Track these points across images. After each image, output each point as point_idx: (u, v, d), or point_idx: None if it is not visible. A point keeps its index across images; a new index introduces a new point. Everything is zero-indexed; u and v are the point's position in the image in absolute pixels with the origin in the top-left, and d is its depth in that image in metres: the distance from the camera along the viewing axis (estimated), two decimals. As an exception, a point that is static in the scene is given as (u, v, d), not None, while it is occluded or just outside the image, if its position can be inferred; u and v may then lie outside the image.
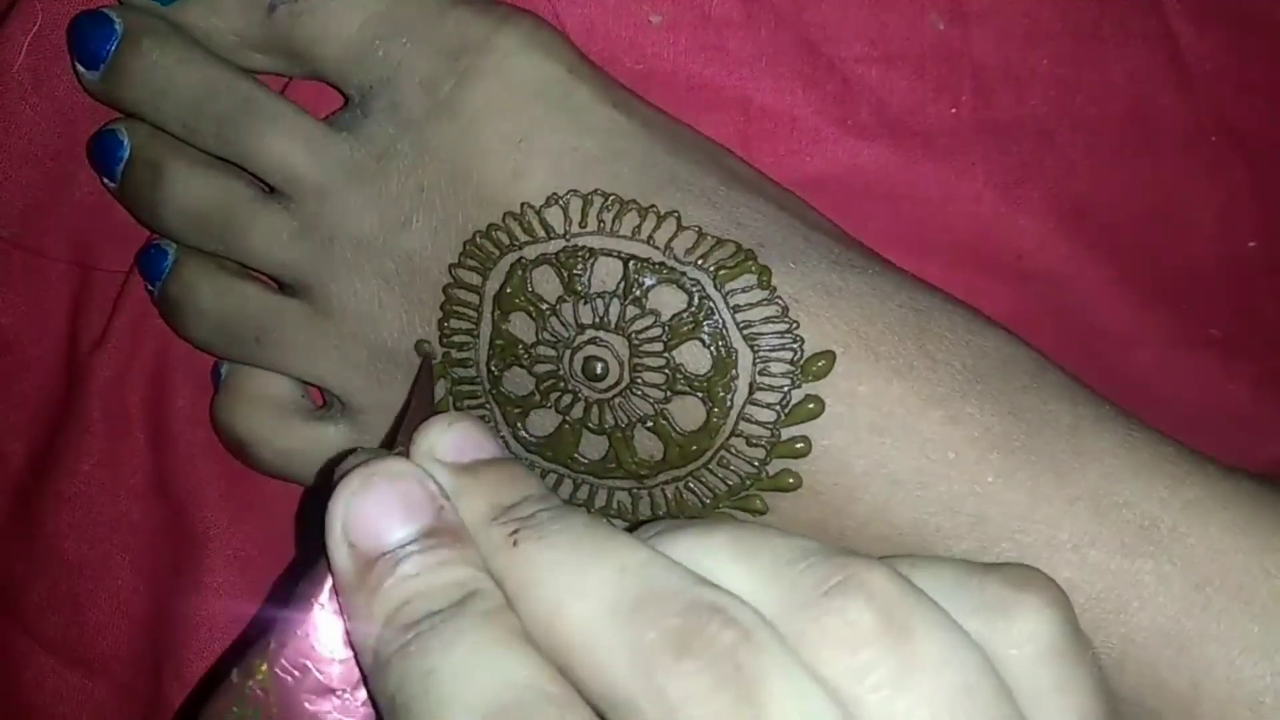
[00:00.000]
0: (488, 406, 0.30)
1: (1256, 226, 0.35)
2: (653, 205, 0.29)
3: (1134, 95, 0.33)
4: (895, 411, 0.27)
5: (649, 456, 0.29)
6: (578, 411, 0.29)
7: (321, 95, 0.32)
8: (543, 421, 0.30)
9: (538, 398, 0.29)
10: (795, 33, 0.32)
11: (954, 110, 0.33)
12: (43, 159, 0.34)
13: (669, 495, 0.29)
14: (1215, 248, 0.35)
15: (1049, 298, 0.34)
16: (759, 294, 0.28)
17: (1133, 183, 0.34)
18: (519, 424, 0.30)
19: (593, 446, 0.30)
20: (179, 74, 0.31)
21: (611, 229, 0.29)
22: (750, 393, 0.28)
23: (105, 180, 0.33)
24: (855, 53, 0.32)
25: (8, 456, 0.36)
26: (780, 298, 0.28)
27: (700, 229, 0.28)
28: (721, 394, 0.28)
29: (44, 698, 0.36)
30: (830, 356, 0.28)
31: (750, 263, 0.28)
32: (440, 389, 0.30)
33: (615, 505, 0.30)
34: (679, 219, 0.28)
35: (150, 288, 0.34)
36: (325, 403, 0.33)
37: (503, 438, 0.30)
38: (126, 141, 0.32)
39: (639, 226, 0.29)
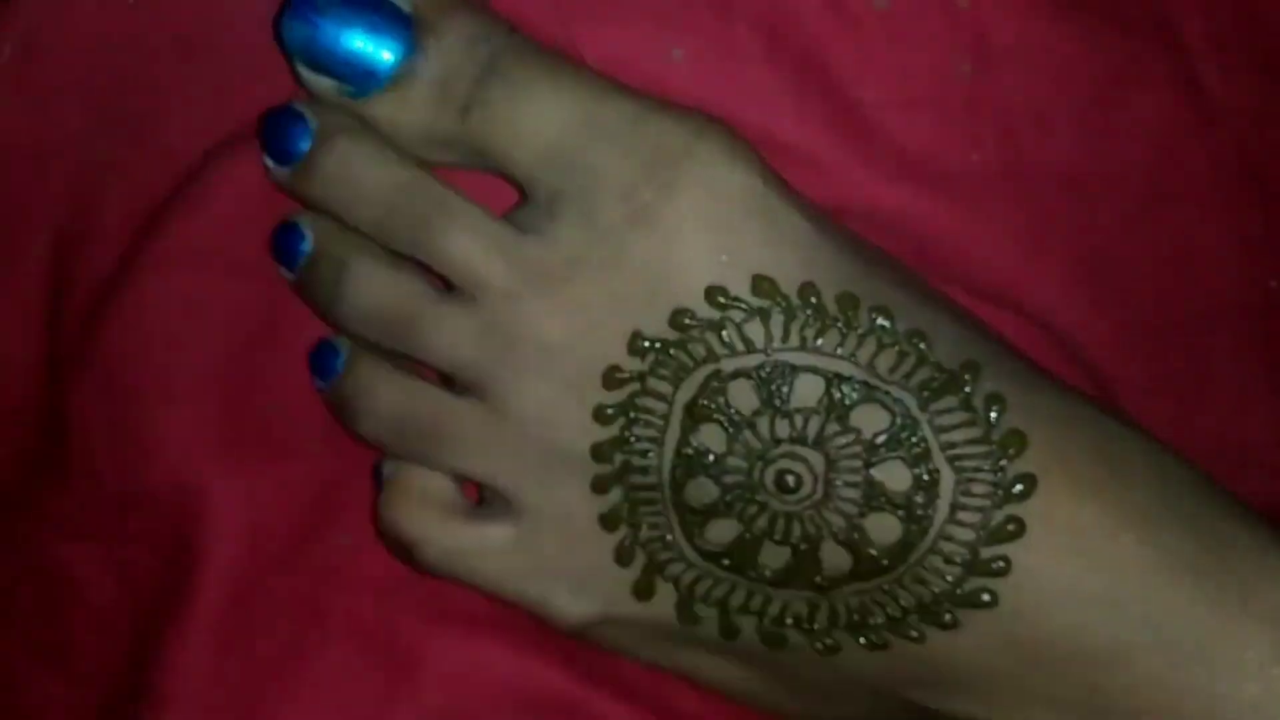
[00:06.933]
0: (664, 514, 0.30)
1: (1278, 265, 0.35)
2: (853, 322, 0.28)
3: (1159, 140, 0.34)
4: (1090, 533, 0.28)
5: (835, 570, 0.29)
6: (763, 522, 0.29)
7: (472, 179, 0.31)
8: (722, 531, 0.29)
9: (721, 508, 0.29)
10: (818, 73, 0.32)
11: (976, 156, 0.33)
12: (23, 159, 0.33)
13: (852, 605, 0.29)
14: (1236, 288, 0.36)
15: (1069, 347, 0.34)
16: (962, 415, 0.28)
17: (1157, 230, 0.34)
18: (696, 532, 0.30)
19: (774, 556, 0.29)
20: (371, 173, 0.30)
21: (813, 345, 0.28)
22: (951, 513, 0.28)
23: (283, 270, 0.32)
24: (877, 96, 0.32)
25: None
26: (983, 420, 0.28)
27: (901, 348, 0.28)
28: (921, 513, 0.28)
29: (30, 700, 0.35)
30: (1031, 480, 0.28)
31: (954, 384, 0.28)
32: (616, 495, 0.30)
33: (791, 615, 0.30)
34: (879, 337, 0.28)
35: (320, 385, 0.32)
36: (481, 499, 0.32)
37: (678, 547, 0.30)
38: (309, 235, 0.31)
39: (841, 344, 0.28)
